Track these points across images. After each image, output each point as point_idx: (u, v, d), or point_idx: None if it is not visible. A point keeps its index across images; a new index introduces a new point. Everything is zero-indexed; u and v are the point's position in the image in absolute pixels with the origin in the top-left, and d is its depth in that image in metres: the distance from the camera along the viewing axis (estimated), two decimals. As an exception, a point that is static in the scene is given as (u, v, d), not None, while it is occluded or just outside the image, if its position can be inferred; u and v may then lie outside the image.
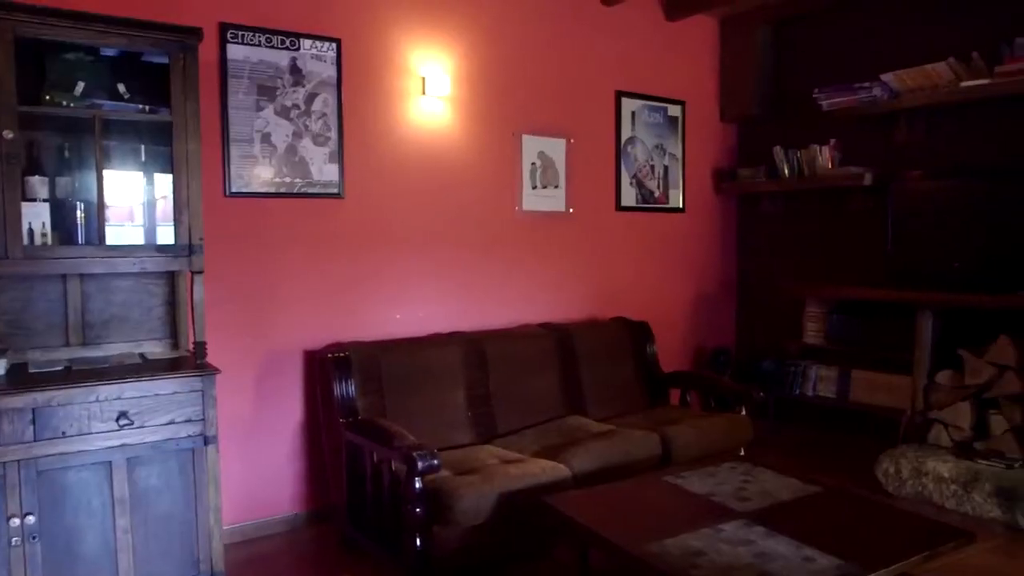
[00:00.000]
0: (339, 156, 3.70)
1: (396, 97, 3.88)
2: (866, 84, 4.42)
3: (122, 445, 2.59)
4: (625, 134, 4.81)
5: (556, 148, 4.47)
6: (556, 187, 4.49)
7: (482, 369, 3.83)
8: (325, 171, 3.67)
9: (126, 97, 2.87)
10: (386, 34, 3.83)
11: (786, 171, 4.95)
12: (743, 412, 4.02)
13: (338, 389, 3.38)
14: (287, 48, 3.54)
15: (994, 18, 4.03)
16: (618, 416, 4.10)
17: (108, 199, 2.84)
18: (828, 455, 4.56)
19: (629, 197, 4.86)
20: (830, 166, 4.74)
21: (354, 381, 3.43)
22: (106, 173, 2.80)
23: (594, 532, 2.51)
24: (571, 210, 4.57)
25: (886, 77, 4.30)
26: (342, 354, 3.44)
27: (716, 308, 5.43)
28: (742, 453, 3.81)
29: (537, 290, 4.47)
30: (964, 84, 4.00)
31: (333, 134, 3.68)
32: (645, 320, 4.57)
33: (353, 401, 3.40)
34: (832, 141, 4.75)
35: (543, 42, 4.41)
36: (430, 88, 3.94)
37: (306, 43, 3.58)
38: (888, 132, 4.53)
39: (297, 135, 3.59)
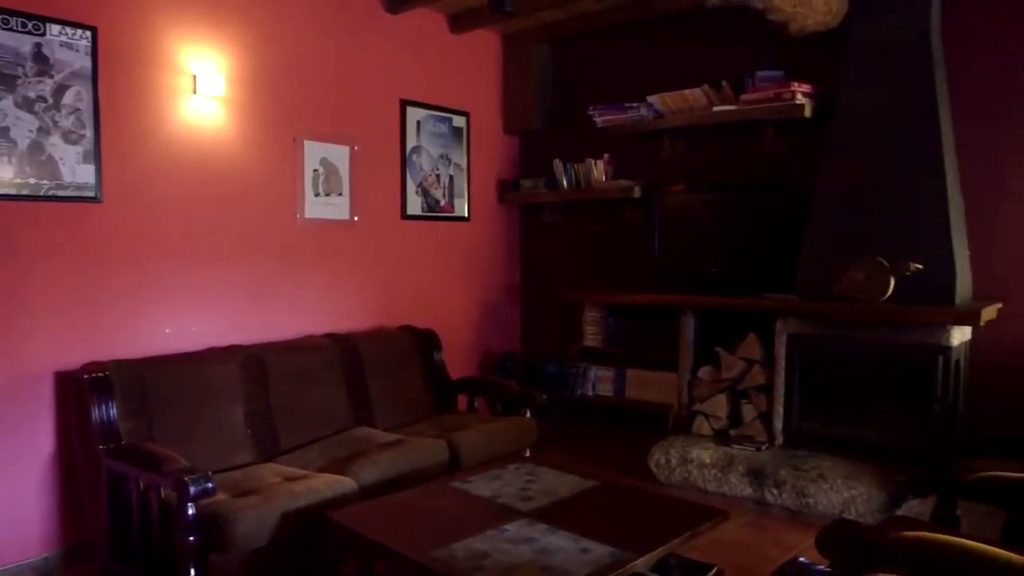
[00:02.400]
0: (95, 156, 3.36)
1: (163, 95, 3.60)
2: (634, 104, 4.77)
3: None
4: (410, 143, 4.82)
5: (340, 155, 4.38)
6: (340, 195, 4.39)
7: (262, 383, 3.64)
8: (79, 172, 3.31)
9: None
10: (151, 26, 3.54)
11: (565, 183, 5.21)
12: (528, 414, 4.16)
13: (96, 413, 3.07)
14: (29, 32, 3.16)
15: (741, 52, 4.51)
16: (406, 425, 4.08)
17: None
18: (608, 450, 4.84)
19: (415, 206, 4.87)
20: (604, 179, 5.05)
21: (116, 403, 3.13)
22: None
23: (379, 543, 2.47)
24: (356, 218, 4.49)
25: (651, 98, 4.66)
26: (101, 374, 3.13)
27: (502, 314, 5.59)
28: (527, 454, 3.94)
29: (322, 300, 4.34)
30: (716, 108, 4.44)
31: (88, 132, 3.33)
32: (432, 328, 4.59)
33: (115, 425, 3.10)
34: (606, 155, 5.07)
35: (325, 46, 4.30)
36: (202, 87, 3.70)
37: (54, 28, 3.22)
38: (655, 148, 4.91)
39: (44, 131, 3.21)
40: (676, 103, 4.59)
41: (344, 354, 4.06)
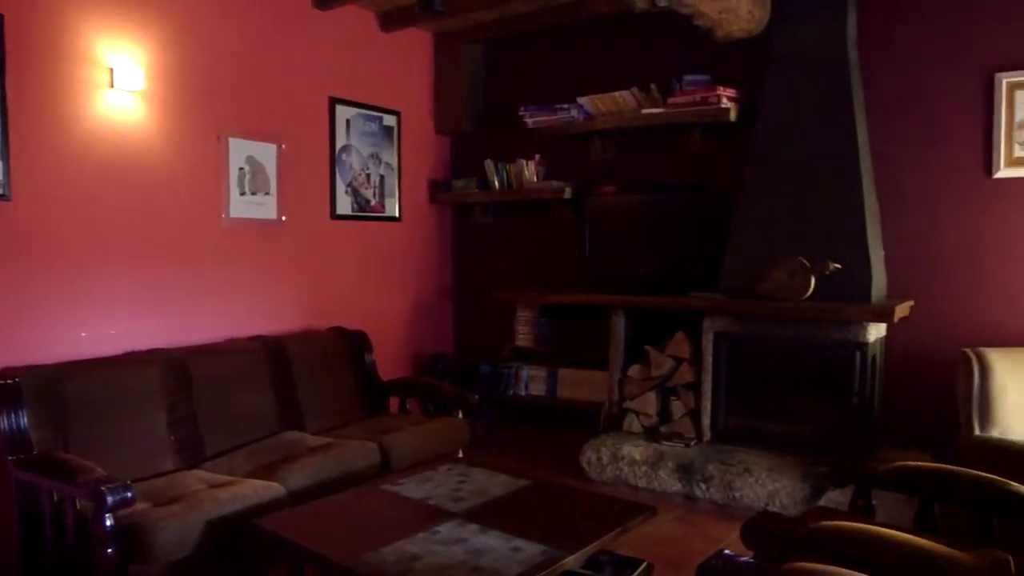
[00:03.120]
0: (3, 152, 3.20)
1: (78, 88, 3.45)
2: (565, 105, 4.81)
3: None
4: (340, 142, 4.74)
5: (266, 153, 4.28)
6: (267, 194, 4.29)
7: (185, 388, 3.53)
8: (-15, 169, 3.15)
9: None
10: (63, 16, 3.39)
11: (496, 183, 5.21)
12: (460, 415, 4.15)
13: (5, 422, 2.92)
14: (-71, 22, 2.99)
15: (669, 55, 4.59)
16: (337, 428, 4.02)
17: None
18: (540, 449, 4.86)
19: (344, 205, 4.80)
20: (535, 180, 5.08)
21: (26, 411, 2.98)
22: None
23: (307, 549, 2.42)
24: (284, 218, 4.40)
25: (582, 100, 4.71)
26: (9, 381, 2.98)
27: (434, 315, 5.56)
28: (460, 455, 3.93)
29: (248, 302, 4.23)
30: (645, 111, 4.51)
31: (-6, 126, 3.17)
32: (363, 329, 4.53)
33: (25, 434, 2.96)
34: (537, 156, 5.09)
35: (251, 41, 4.20)
36: (119, 81, 3.56)
37: (-45, 18, 3.05)
38: (585, 150, 4.97)
39: (-55, 125, 3.04)
40: (606, 105, 4.65)
41: (272, 357, 3.97)
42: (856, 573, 1.54)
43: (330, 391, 4.18)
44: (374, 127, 4.99)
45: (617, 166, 4.90)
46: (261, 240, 4.30)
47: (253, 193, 4.22)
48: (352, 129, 4.82)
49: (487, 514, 2.68)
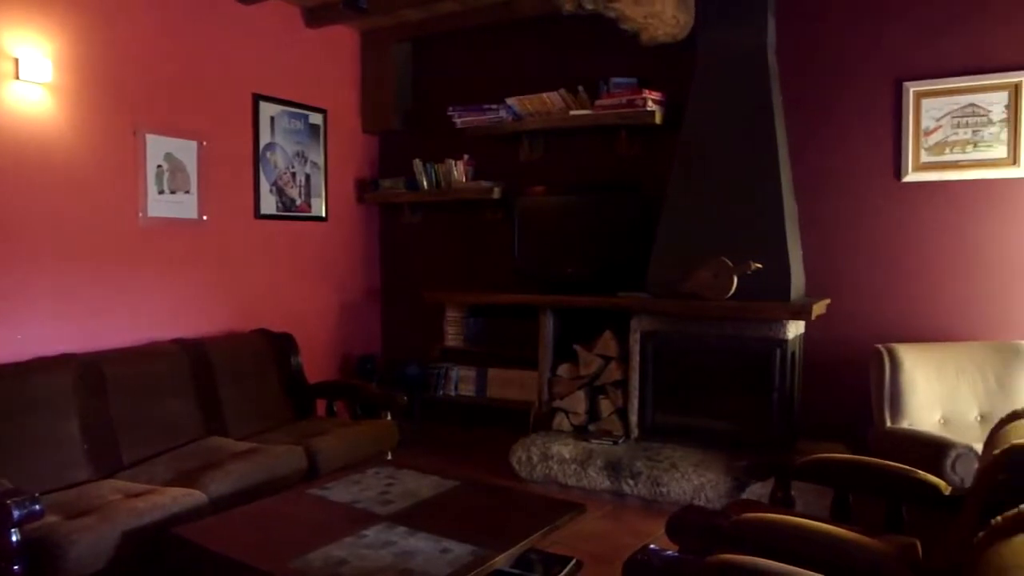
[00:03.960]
0: None
1: (-21, 80, 3.28)
2: (494, 106, 4.81)
3: None
4: (264, 139, 4.63)
5: (186, 150, 4.14)
6: (187, 192, 4.16)
7: (100, 394, 3.39)
8: None
9: None
10: (-37, 4, 3.22)
11: (425, 183, 5.18)
12: (389, 417, 4.11)
13: (-101, 433, 2.75)
14: None
15: (597, 58, 4.65)
16: (262, 432, 3.92)
17: None
18: (471, 450, 4.86)
19: (269, 205, 4.69)
20: (464, 180, 5.06)
21: (-77, 421, 2.81)
22: None
23: (229, 558, 2.36)
24: (205, 217, 4.27)
25: (510, 101, 4.72)
26: (-95, 389, 2.80)
27: (362, 316, 5.49)
28: (389, 457, 3.89)
29: (168, 304, 4.09)
30: (573, 112, 4.56)
31: None
32: (289, 331, 4.43)
33: (-78, 446, 2.79)
34: (466, 156, 5.08)
35: (170, 33, 4.06)
36: (25, 72, 3.39)
37: None
38: (514, 150, 4.98)
39: None
40: (534, 106, 4.67)
41: (193, 361, 3.85)
42: (774, 563, 1.58)
43: (255, 395, 4.08)
44: (300, 125, 4.89)
45: (546, 167, 4.93)
46: (181, 240, 4.16)
47: (172, 192, 4.08)
48: (277, 127, 4.72)
49: (416, 516, 2.66)
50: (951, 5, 3.83)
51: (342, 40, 5.21)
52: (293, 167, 4.86)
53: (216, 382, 3.90)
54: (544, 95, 4.61)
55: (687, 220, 4.11)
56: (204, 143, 4.23)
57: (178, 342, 3.94)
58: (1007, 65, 3.71)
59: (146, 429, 3.52)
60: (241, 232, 4.52)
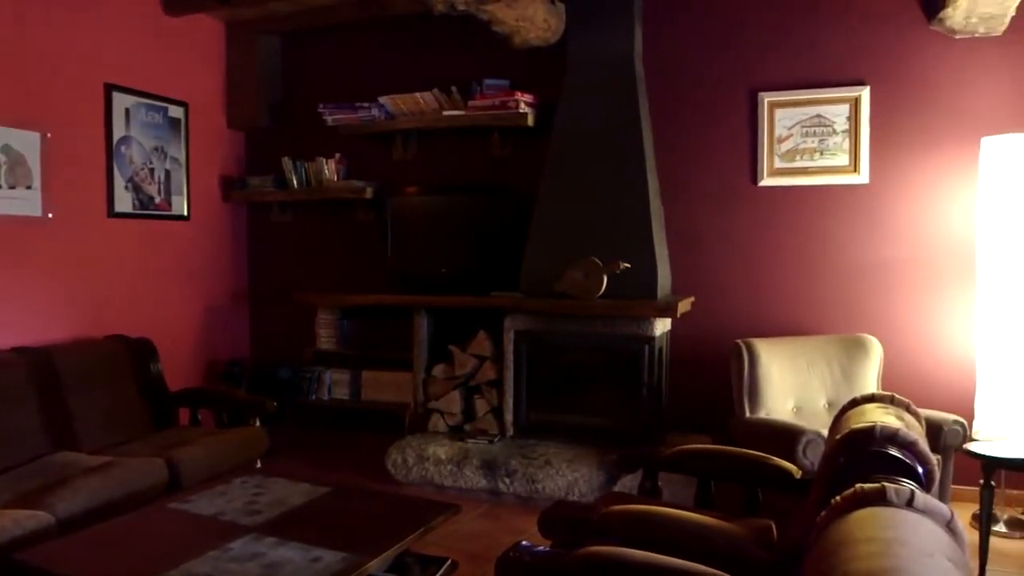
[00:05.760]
0: None
1: None
2: (366, 104, 4.74)
3: None
4: (118, 133, 4.35)
5: (28, 142, 3.82)
6: (29, 188, 3.84)
7: (-73, 410, 3.08)
8: None
9: None
10: None
11: (295, 182, 5.02)
12: (258, 423, 3.96)
13: None
14: None
15: (471, 59, 4.66)
16: (118, 445, 3.67)
17: None
18: (346, 454, 4.75)
19: (124, 203, 4.41)
20: (336, 179, 4.95)
21: None
22: None
23: (78, 581, 2.19)
24: (50, 215, 3.95)
25: (383, 100, 4.66)
26: None
27: (229, 319, 5.26)
28: (259, 465, 3.75)
29: (7, 309, 3.77)
30: (446, 113, 4.55)
31: None
32: (148, 336, 4.18)
33: None
34: (337, 155, 4.97)
35: (6, 14, 3.73)
36: None
37: None
38: (387, 150, 4.92)
39: None
40: (407, 106, 4.63)
41: (36, 370, 3.55)
42: (639, 551, 1.64)
43: (109, 406, 3.82)
44: (158, 118, 4.62)
45: (419, 167, 4.90)
46: (22, 240, 3.84)
47: (12, 187, 3.75)
48: (133, 120, 4.44)
49: (285, 525, 2.57)
50: (800, 24, 4.10)
51: (205, 31, 4.97)
52: (151, 163, 4.59)
53: (64, 393, 3.62)
54: (417, 95, 4.58)
55: (558, 221, 4.19)
56: (48, 135, 3.92)
57: (18, 350, 3.63)
58: (849, 80, 4.01)
59: (-18, 446, 3.23)
60: (93, 232, 4.22)
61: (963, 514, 3.62)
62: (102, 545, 2.49)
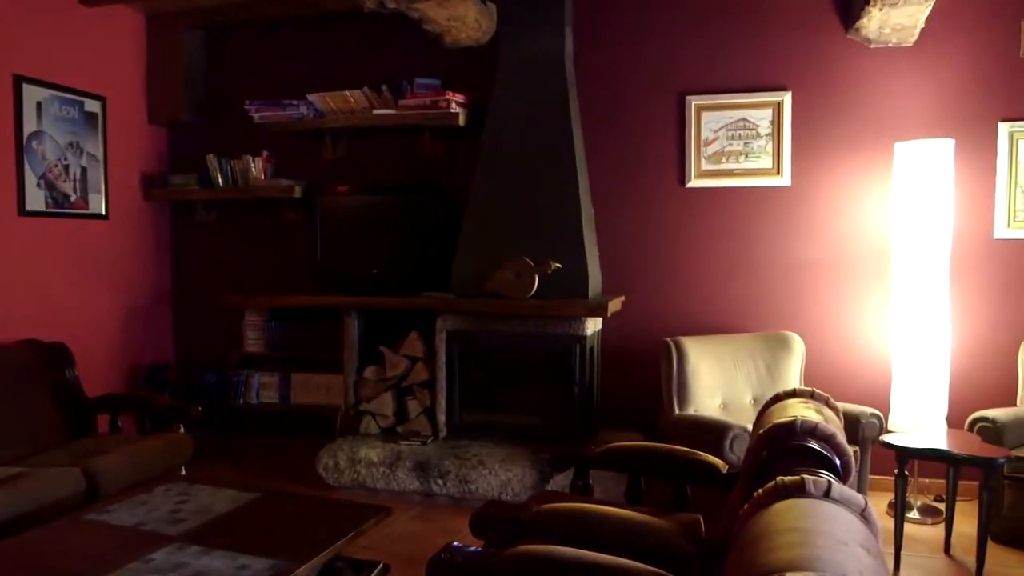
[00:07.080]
0: None
1: None
2: (295, 102, 4.64)
3: None
4: (29, 127, 4.14)
5: (-70, 137, 3.63)
6: (-68, 185, 3.64)
7: None
8: None
9: None
10: None
11: (220, 180, 4.88)
12: (181, 430, 3.84)
13: None
14: None
15: (402, 58, 4.62)
16: (30, 455, 3.50)
17: None
18: (275, 459, 4.65)
19: (37, 201, 4.21)
20: (263, 177, 4.84)
21: None
22: None
23: (-14, 599, 2.08)
24: (-44, 214, 3.76)
25: (312, 97, 4.57)
26: None
27: (151, 322, 5.08)
28: (183, 472, 3.64)
29: (-92, 313, 3.56)
30: (376, 111, 4.49)
31: None
32: (63, 341, 4.00)
33: None
34: (265, 153, 4.86)
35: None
36: None
37: None
38: (316, 148, 4.83)
39: None
40: (337, 103, 4.56)
41: (-60, 377, 3.37)
42: (569, 549, 1.65)
43: (20, 414, 3.63)
44: (73, 112, 4.43)
45: (349, 166, 4.83)
46: (-76, 240, 3.63)
47: (-88, 184, 3.55)
48: (45, 114, 4.24)
49: (210, 533, 2.49)
50: (726, 30, 4.20)
51: (124, 22, 4.79)
52: (66, 159, 4.39)
53: (-30, 401, 3.45)
54: (347, 93, 4.51)
55: (489, 221, 4.19)
56: (-47, 129, 3.73)
57: (-79, 357, 3.44)
58: (772, 85, 4.14)
59: None
60: (1, 231, 4.02)
61: (880, 502, 3.78)
62: (11, 561, 2.37)
